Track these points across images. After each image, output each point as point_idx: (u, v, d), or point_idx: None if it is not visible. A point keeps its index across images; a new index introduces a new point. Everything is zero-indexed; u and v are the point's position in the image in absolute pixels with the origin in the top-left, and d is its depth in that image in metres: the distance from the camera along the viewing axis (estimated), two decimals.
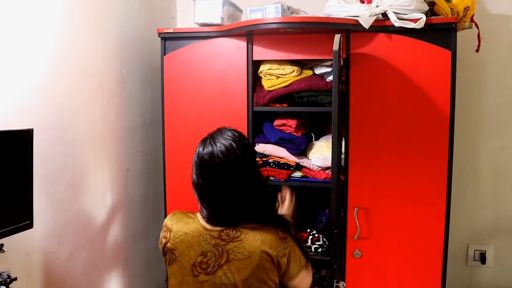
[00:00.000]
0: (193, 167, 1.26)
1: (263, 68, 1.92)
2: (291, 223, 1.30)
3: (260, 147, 1.98)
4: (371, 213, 1.82)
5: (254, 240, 1.19)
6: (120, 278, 2.08)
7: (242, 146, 1.23)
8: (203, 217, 1.26)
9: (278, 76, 1.90)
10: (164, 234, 1.31)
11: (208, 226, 1.24)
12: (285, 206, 1.56)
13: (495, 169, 2.27)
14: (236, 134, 1.26)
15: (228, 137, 1.23)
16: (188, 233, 1.25)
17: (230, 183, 1.20)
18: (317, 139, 2.02)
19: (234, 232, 1.21)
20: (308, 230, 2.04)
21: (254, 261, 1.18)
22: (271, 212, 1.29)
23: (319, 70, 1.89)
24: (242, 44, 1.90)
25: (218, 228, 1.23)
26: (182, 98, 1.99)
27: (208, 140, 1.25)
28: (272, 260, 1.19)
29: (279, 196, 1.59)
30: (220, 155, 1.20)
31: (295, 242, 1.25)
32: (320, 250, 1.99)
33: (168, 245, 1.27)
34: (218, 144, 1.21)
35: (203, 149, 1.23)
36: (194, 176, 1.26)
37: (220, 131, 1.27)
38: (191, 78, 1.98)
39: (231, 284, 1.18)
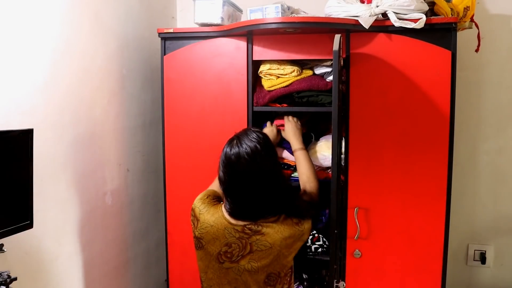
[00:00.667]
0: (220, 165, 1.39)
1: (263, 68, 1.92)
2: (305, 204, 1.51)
3: None
4: (371, 213, 1.82)
5: (274, 233, 1.34)
6: (120, 278, 2.08)
7: (266, 147, 1.35)
8: (227, 211, 1.39)
9: (278, 76, 1.90)
10: (192, 219, 1.48)
11: (232, 221, 1.38)
12: (287, 129, 1.81)
13: (495, 169, 2.27)
14: (260, 135, 1.38)
15: (253, 139, 1.34)
16: (213, 225, 1.39)
17: (254, 182, 1.33)
18: (317, 139, 2.02)
19: (256, 227, 1.35)
20: None
21: (275, 251, 1.34)
22: (289, 205, 1.41)
23: (319, 70, 1.89)
24: (242, 44, 1.90)
25: (241, 223, 1.37)
26: (182, 98, 1.99)
27: (234, 141, 1.36)
28: (291, 246, 1.37)
29: (276, 125, 1.87)
30: (246, 156, 1.31)
31: (307, 219, 1.42)
32: (320, 250, 1.99)
33: (196, 233, 1.44)
34: (244, 146, 1.33)
35: (230, 150, 1.35)
36: (221, 174, 1.38)
37: (246, 132, 1.39)
38: (191, 78, 1.98)
39: (253, 270, 1.35)
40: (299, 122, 1.87)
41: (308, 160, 1.74)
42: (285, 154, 1.96)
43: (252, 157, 1.32)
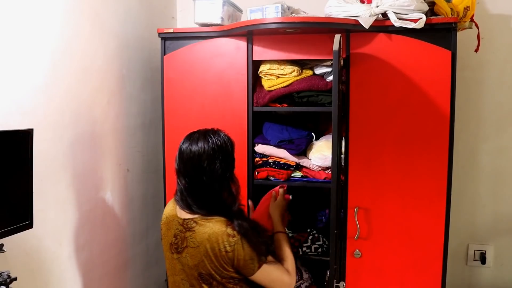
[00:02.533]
0: None
1: (263, 68, 1.92)
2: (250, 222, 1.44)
3: (260, 148, 1.98)
4: (371, 213, 1.82)
5: (203, 233, 1.35)
6: (120, 278, 2.08)
7: (214, 152, 1.37)
8: (177, 203, 1.46)
9: (278, 76, 1.90)
10: None
11: (178, 214, 1.44)
12: (275, 205, 1.66)
13: (495, 169, 2.27)
14: (215, 141, 1.39)
15: (206, 140, 1.38)
16: (167, 217, 1.49)
17: (192, 176, 1.38)
18: (317, 139, 2.02)
19: (191, 223, 1.39)
20: (308, 230, 2.04)
21: (202, 251, 1.35)
22: (227, 210, 1.40)
23: (319, 70, 1.89)
24: (242, 44, 1.90)
25: (183, 217, 1.42)
26: (182, 98, 1.99)
27: (191, 137, 1.42)
28: (217, 253, 1.33)
29: (274, 191, 1.71)
30: (190, 154, 1.38)
31: (246, 240, 1.34)
32: (320, 250, 1.99)
33: (160, 224, 1.54)
34: (194, 144, 1.38)
35: (184, 142, 1.42)
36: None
37: (206, 132, 1.42)
38: (191, 78, 1.98)
39: (188, 265, 1.39)
40: (284, 201, 1.69)
41: (290, 246, 1.55)
42: (285, 154, 1.96)
43: (195, 155, 1.37)
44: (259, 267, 1.35)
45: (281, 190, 1.69)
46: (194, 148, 1.37)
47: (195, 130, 1.45)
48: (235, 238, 1.33)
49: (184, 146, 1.40)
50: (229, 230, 1.34)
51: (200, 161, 1.36)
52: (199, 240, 1.35)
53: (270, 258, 1.41)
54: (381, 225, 1.82)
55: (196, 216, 1.39)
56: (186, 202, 1.41)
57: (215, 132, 1.43)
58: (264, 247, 1.40)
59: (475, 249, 2.32)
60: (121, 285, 2.09)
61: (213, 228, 1.34)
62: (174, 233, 1.43)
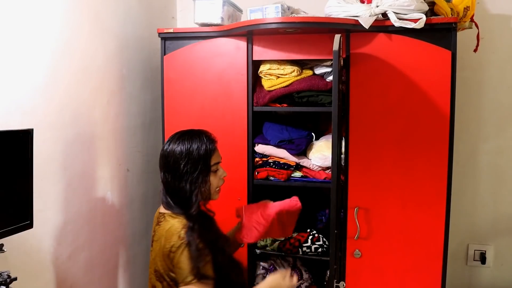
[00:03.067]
0: None
1: (263, 68, 1.92)
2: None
3: (260, 148, 1.98)
4: (371, 213, 1.82)
5: (163, 229, 1.40)
6: (120, 278, 2.08)
7: (180, 155, 1.41)
8: None
9: (278, 76, 1.90)
10: None
11: (160, 208, 1.49)
12: (275, 278, 1.44)
13: (495, 169, 2.27)
14: (188, 143, 1.42)
15: (177, 142, 1.43)
16: (157, 212, 1.53)
17: (163, 173, 1.45)
18: (317, 139, 2.02)
19: (161, 218, 1.44)
20: (308, 230, 2.04)
21: (159, 245, 1.39)
22: (186, 211, 1.41)
23: (319, 70, 1.89)
24: (242, 44, 1.90)
25: (159, 211, 1.47)
26: (182, 98, 1.99)
27: (172, 136, 1.47)
28: (165, 250, 1.36)
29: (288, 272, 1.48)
30: (162, 151, 1.45)
31: (189, 248, 1.32)
32: (320, 250, 1.99)
33: None
34: (168, 143, 1.45)
35: (167, 140, 1.48)
36: None
37: (185, 134, 1.46)
38: (191, 78, 1.98)
39: (152, 258, 1.45)
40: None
41: None
42: (285, 154, 1.96)
43: (167, 154, 1.43)
44: (184, 284, 1.31)
45: (285, 272, 1.47)
46: (166, 147, 1.45)
47: (178, 132, 1.49)
48: (182, 241, 1.33)
49: (164, 143, 1.47)
50: (182, 232, 1.35)
51: (167, 159, 1.42)
52: (159, 234, 1.40)
53: (206, 282, 1.32)
54: (381, 225, 1.82)
55: (167, 211, 1.44)
56: (162, 196, 1.48)
57: (193, 135, 1.44)
58: (206, 266, 1.34)
59: (475, 249, 2.32)
60: (121, 285, 2.09)
61: (172, 226, 1.37)
62: (154, 228, 1.49)
